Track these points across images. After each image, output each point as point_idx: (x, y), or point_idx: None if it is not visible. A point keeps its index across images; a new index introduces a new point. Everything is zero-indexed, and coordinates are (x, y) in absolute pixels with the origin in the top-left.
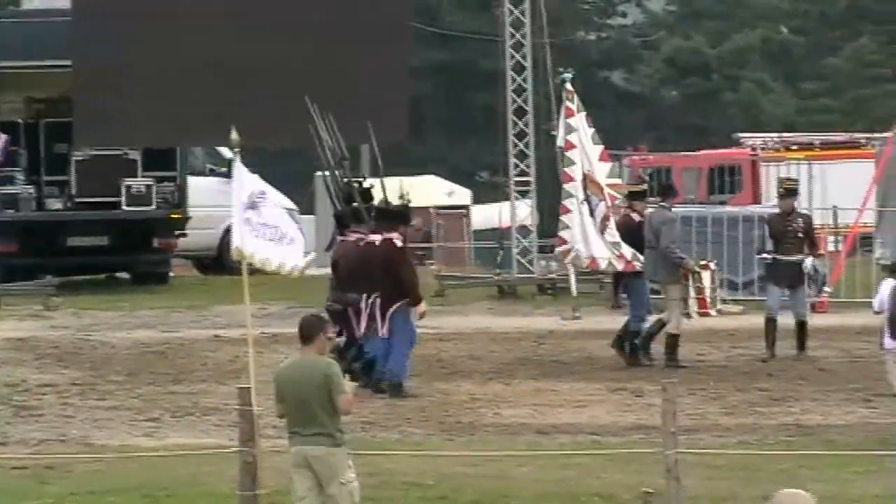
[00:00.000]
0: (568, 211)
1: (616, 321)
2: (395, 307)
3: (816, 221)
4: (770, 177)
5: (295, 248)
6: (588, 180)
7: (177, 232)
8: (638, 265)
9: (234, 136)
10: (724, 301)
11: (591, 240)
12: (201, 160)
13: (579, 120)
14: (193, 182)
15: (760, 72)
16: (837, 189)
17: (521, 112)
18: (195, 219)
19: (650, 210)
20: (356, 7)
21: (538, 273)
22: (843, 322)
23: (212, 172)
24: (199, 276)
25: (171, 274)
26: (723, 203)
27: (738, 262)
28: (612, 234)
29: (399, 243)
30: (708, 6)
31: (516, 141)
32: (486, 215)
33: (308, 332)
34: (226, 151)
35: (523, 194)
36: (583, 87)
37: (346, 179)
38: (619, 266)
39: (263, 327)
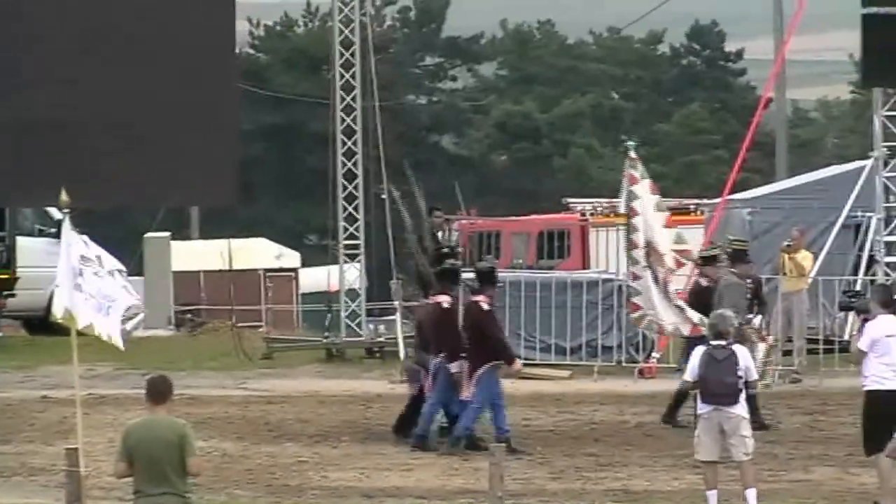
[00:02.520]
0: (637, 277)
1: None
2: (483, 369)
3: None
4: (599, 242)
5: (112, 319)
6: (650, 248)
7: (5, 292)
8: (703, 329)
9: (64, 196)
10: (551, 366)
11: (657, 305)
12: (30, 220)
13: (643, 187)
14: (22, 242)
15: (590, 137)
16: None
17: (351, 175)
18: (23, 279)
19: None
20: (185, 68)
21: (366, 336)
22: (670, 387)
23: (41, 233)
24: (27, 337)
25: (0, 334)
26: (551, 268)
27: (566, 326)
28: (675, 299)
29: (486, 306)
30: (539, 71)
31: (346, 204)
32: (314, 278)
33: (158, 393)
34: (55, 212)
35: (352, 258)
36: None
37: (435, 245)
38: (686, 331)
39: (91, 388)
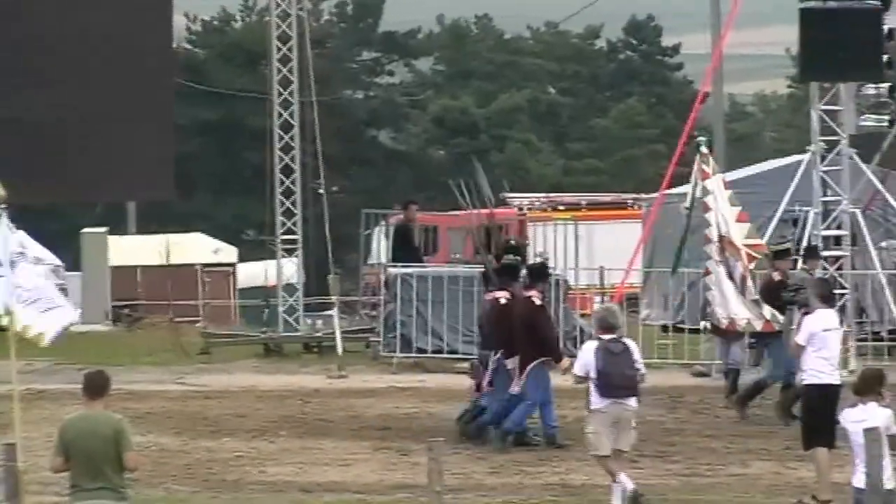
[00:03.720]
0: (707, 273)
1: (382, 379)
2: (532, 364)
3: (582, 282)
4: (537, 236)
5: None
6: (725, 242)
7: None
8: (777, 325)
9: (1, 190)
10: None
11: (729, 300)
12: None
13: (715, 182)
14: None
15: (528, 132)
16: (604, 249)
17: (288, 170)
18: None
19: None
20: (121, 64)
21: (304, 331)
22: None
23: None
24: None
25: None
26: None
27: None
28: (751, 293)
29: (538, 301)
30: (476, 67)
31: (283, 199)
32: (252, 273)
33: (95, 387)
34: None
35: (290, 252)
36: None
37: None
38: (758, 326)
39: (29, 384)
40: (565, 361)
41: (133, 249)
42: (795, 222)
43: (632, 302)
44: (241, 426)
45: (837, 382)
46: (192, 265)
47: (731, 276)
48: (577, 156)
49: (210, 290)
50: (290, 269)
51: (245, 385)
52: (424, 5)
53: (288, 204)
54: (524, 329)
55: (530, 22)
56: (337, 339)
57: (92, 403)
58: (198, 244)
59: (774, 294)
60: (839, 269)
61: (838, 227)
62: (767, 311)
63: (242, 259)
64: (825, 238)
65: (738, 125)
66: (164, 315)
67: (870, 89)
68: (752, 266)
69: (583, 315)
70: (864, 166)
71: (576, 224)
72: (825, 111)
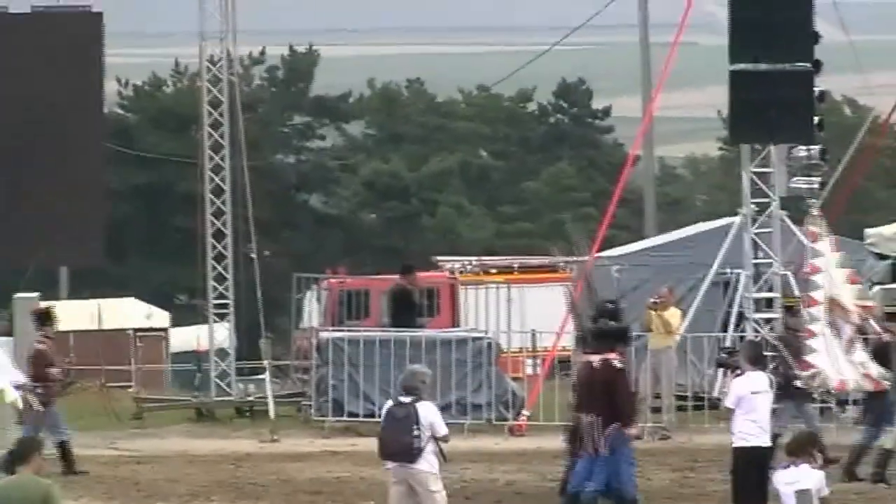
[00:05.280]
0: (814, 335)
1: (314, 444)
2: (613, 426)
3: (515, 344)
4: (468, 300)
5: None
6: (832, 304)
7: None
8: (886, 384)
9: None
10: None
11: (839, 362)
12: None
13: (825, 244)
14: None
15: (459, 195)
16: (536, 312)
17: (220, 235)
18: None
19: None
20: (53, 128)
21: (236, 395)
22: (540, 445)
23: None
24: None
25: None
26: (422, 326)
27: (436, 385)
28: (860, 354)
29: (617, 364)
30: (407, 130)
31: (215, 264)
32: (184, 338)
33: (23, 453)
34: None
35: (222, 317)
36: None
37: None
38: (868, 385)
39: None
40: (635, 429)
41: (65, 314)
42: (727, 285)
43: (564, 365)
44: (173, 491)
45: (767, 444)
46: (124, 330)
47: (838, 337)
48: (508, 219)
49: (143, 355)
50: (222, 333)
51: (177, 449)
52: (356, 69)
53: (220, 269)
54: (604, 391)
55: (462, 85)
56: (269, 404)
57: (20, 468)
58: (130, 309)
59: (885, 354)
60: (771, 330)
61: (770, 290)
62: (874, 369)
63: (175, 324)
64: (756, 300)
65: (669, 188)
66: (96, 380)
67: (801, 151)
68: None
69: (514, 378)
70: (795, 228)
71: (508, 287)
72: (756, 173)
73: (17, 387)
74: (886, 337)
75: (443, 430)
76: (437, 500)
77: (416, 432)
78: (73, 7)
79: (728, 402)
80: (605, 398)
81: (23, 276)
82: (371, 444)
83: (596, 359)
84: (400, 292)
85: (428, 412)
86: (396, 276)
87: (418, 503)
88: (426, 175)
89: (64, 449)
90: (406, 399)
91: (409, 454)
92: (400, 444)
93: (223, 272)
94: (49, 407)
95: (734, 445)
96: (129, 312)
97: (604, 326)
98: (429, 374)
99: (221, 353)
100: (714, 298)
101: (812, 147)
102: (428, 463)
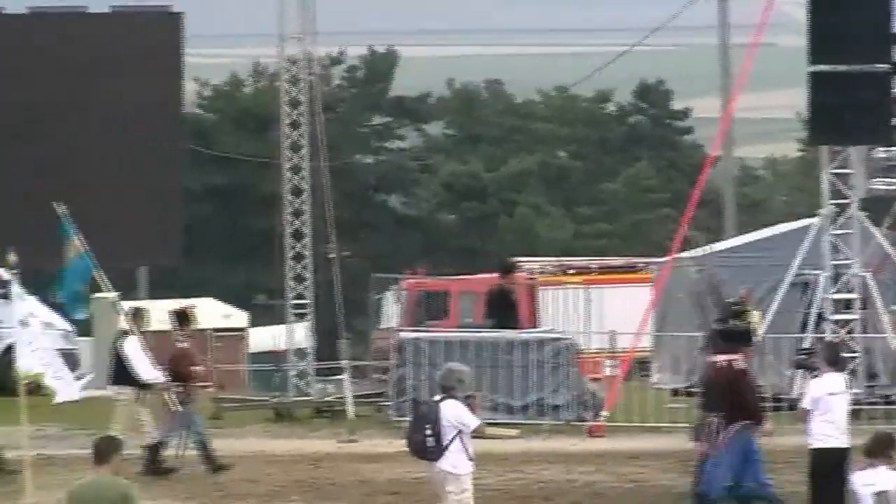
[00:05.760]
0: None
1: (392, 444)
2: (734, 427)
3: (594, 345)
4: (548, 301)
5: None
6: None
7: None
8: None
9: (12, 257)
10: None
11: None
12: None
13: None
14: None
15: (537, 196)
16: (614, 313)
17: (298, 235)
18: None
19: None
20: (130, 129)
21: (315, 395)
22: (618, 446)
23: None
24: None
25: None
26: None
27: (514, 386)
28: None
29: (740, 365)
30: (486, 131)
31: (294, 264)
32: (262, 338)
33: (103, 453)
34: (3, 273)
35: (301, 317)
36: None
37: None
38: None
39: (40, 449)
40: (768, 424)
41: None
42: (806, 286)
43: (643, 366)
44: (251, 491)
45: (844, 446)
46: (203, 330)
47: None
48: (586, 220)
49: (221, 356)
50: (301, 333)
51: (256, 450)
52: (435, 70)
53: (299, 269)
54: (726, 392)
55: (541, 86)
56: (348, 404)
57: (99, 469)
58: (208, 309)
59: None
60: (849, 332)
61: (849, 291)
62: None
63: (253, 324)
64: (835, 302)
65: (749, 189)
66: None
67: (880, 153)
68: None
69: (593, 379)
70: (874, 230)
71: (586, 288)
72: (835, 174)
73: (154, 385)
74: None
75: (472, 423)
76: (452, 501)
77: (427, 431)
78: (153, 7)
79: (805, 404)
80: (727, 398)
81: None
82: None
83: (721, 359)
84: (500, 292)
85: (453, 409)
86: (476, 276)
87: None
88: (504, 175)
89: (204, 447)
90: (437, 397)
91: (425, 452)
92: (414, 442)
93: (302, 272)
94: (187, 406)
95: (811, 447)
96: (207, 313)
97: (730, 328)
98: (467, 373)
99: (300, 353)
100: (793, 300)
101: (891, 148)
102: (449, 463)
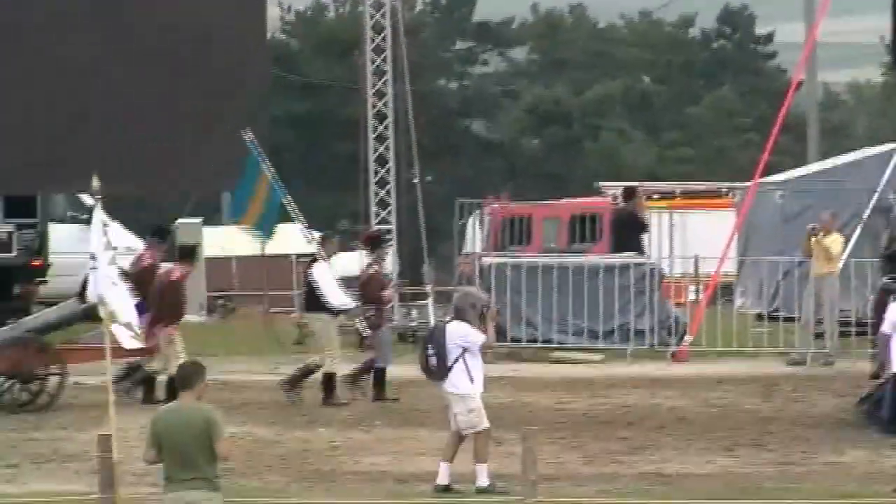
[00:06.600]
0: None
1: None
2: None
3: (677, 270)
4: None
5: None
6: None
7: (37, 279)
8: None
9: (96, 183)
10: (584, 350)
11: None
12: (62, 207)
13: None
14: (54, 229)
15: (621, 121)
16: (698, 238)
17: (382, 160)
18: (56, 266)
19: None
20: (215, 55)
21: (399, 321)
22: (702, 371)
23: (73, 219)
24: None
25: None
26: (584, 252)
27: (598, 311)
28: None
29: None
30: (569, 56)
31: (378, 189)
32: (347, 263)
33: (186, 380)
34: (87, 198)
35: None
36: (443, 136)
37: None
38: None
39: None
40: None
41: (227, 240)
42: (890, 211)
43: (726, 290)
44: (335, 416)
45: None
46: (286, 256)
47: None
48: (670, 145)
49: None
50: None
51: (340, 375)
52: None
53: (382, 194)
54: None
55: (624, 11)
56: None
57: (184, 395)
58: (292, 234)
59: None
60: None
61: None
62: None
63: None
64: None
65: (832, 114)
66: (258, 305)
67: None
68: None
69: (677, 304)
70: None
71: (670, 213)
72: None
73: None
74: None
75: (478, 339)
76: (461, 422)
77: (430, 351)
78: None
79: (885, 328)
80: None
81: (186, 203)
82: (534, 369)
83: (884, 281)
84: (627, 216)
85: (458, 329)
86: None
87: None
88: (588, 101)
89: (380, 376)
90: (447, 318)
91: (429, 373)
92: (420, 362)
93: (386, 198)
94: (377, 330)
95: (892, 371)
96: (291, 238)
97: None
98: (481, 299)
99: None
100: (877, 224)
101: None
102: (452, 383)
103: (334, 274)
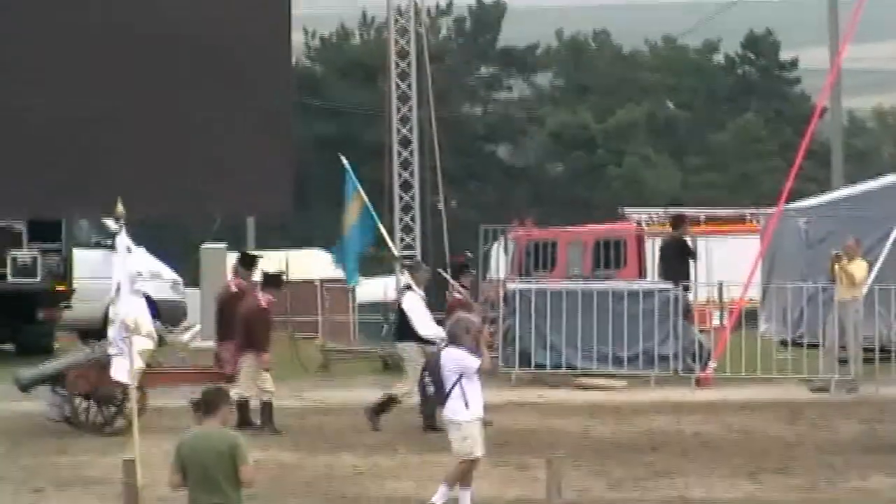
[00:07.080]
0: None
1: (500, 394)
2: None
3: (702, 296)
4: (655, 251)
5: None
6: None
7: (62, 304)
8: None
9: (120, 207)
10: (608, 375)
11: None
12: (86, 232)
13: None
14: (78, 254)
15: (645, 146)
16: (723, 264)
17: (407, 186)
18: (80, 290)
19: None
20: (240, 80)
21: None
22: (726, 397)
23: (97, 245)
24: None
25: (56, 345)
26: (608, 277)
27: (622, 336)
28: None
29: None
30: (594, 81)
31: (402, 214)
32: (371, 289)
33: (211, 404)
34: (112, 223)
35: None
36: (467, 161)
37: None
38: None
39: (149, 399)
40: None
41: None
42: None
43: (751, 316)
44: (359, 441)
45: None
46: (311, 281)
47: None
48: (694, 170)
49: (329, 306)
50: None
51: (363, 400)
52: (542, 21)
53: (407, 219)
54: None
55: (648, 37)
56: None
57: (208, 420)
58: (316, 260)
59: None
60: None
61: None
62: None
63: (361, 275)
64: None
65: (857, 140)
66: (283, 330)
67: None
68: None
69: (701, 330)
70: None
71: (694, 239)
72: None
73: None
74: None
75: (473, 363)
76: (453, 449)
77: (426, 380)
78: None
79: None
80: None
81: (210, 228)
82: (559, 395)
83: None
84: (676, 244)
85: (452, 355)
86: (584, 227)
87: None
88: (612, 126)
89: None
90: (442, 345)
91: (426, 398)
92: (419, 388)
93: (410, 223)
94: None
95: None
96: (314, 263)
97: None
98: (475, 324)
99: None
100: None
101: None
102: (450, 409)
103: (423, 302)
